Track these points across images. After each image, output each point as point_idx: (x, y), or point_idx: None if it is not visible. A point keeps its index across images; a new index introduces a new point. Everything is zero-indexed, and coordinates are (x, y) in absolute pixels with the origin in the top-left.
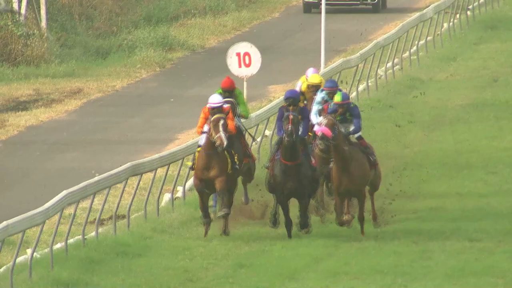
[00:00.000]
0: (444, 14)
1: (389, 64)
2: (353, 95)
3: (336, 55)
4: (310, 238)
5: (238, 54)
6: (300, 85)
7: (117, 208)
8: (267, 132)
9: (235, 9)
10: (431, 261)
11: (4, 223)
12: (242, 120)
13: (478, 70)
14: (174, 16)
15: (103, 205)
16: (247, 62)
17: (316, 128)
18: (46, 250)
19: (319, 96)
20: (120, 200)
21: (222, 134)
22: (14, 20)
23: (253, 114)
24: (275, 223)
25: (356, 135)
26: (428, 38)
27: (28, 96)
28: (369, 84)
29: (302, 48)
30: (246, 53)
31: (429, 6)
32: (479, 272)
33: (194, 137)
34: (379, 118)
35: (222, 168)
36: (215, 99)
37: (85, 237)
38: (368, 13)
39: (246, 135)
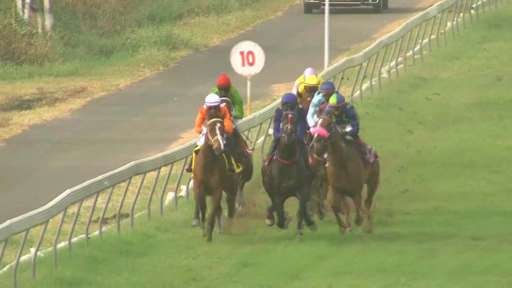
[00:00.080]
0: (447, 13)
1: (393, 63)
2: (356, 94)
3: (339, 54)
4: (314, 237)
5: (241, 53)
6: (297, 85)
7: (120, 207)
8: (271, 131)
9: (239, 8)
10: (434, 260)
11: (8, 222)
12: (245, 119)
13: (482, 69)
14: (178, 15)
15: (107, 204)
16: (250, 61)
17: (312, 129)
18: (49, 249)
19: (316, 98)
20: (123, 199)
21: (219, 137)
22: (18, 19)
23: (257, 113)
24: (270, 217)
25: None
26: (432, 37)
27: (31, 95)
28: (373, 83)
29: (306, 47)
30: (250, 52)
31: (432, 5)
32: (482, 271)
33: (197, 136)
34: (382, 117)
35: (221, 173)
36: (212, 99)
37: (89, 236)
38: (370, 13)
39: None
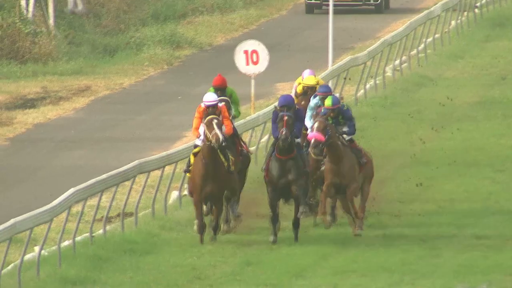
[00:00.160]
0: (452, 11)
1: (397, 62)
2: (360, 93)
3: (343, 52)
4: (318, 235)
5: (245, 52)
6: (295, 86)
7: (124, 206)
8: None
9: (243, 7)
10: (438, 259)
11: (12, 220)
12: (249, 118)
13: (486, 68)
14: (182, 14)
15: (111, 203)
16: (254, 59)
17: (308, 134)
18: (53, 248)
19: (313, 101)
20: (127, 197)
21: (217, 131)
22: (22, 18)
23: (260, 112)
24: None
25: (347, 138)
26: (436, 35)
27: (35, 93)
28: (377, 82)
29: (310, 46)
30: (254, 51)
31: (436, 4)
32: (487, 270)
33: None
34: (386, 115)
35: (221, 178)
36: (210, 97)
37: (93, 234)
38: (372, 13)
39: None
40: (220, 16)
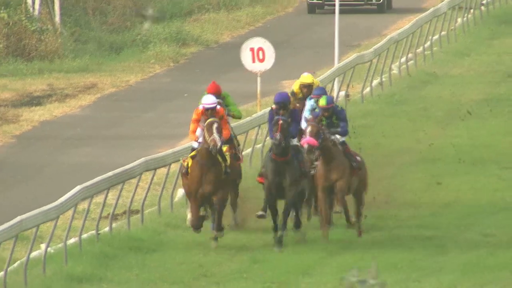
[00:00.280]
0: (458, 9)
1: (403, 59)
2: (367, 90)
3: (350, 50)
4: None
5: (251, 49)
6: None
7: (131, 203)
8: None
9: (249, 4)
10: (445, 256)
11: (18, 218)
12: (255, 115)
13: (492, 65)
14: (188, 11)
15: (117, 200)
16: (260, 57)
17: (302, 139)
18: (60, 245)
19: (309, 104)
20: (133, 195)
21: (215, 136)
22: (28, 15)
23: (267, 110)
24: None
25: (340, 140)
26: (442, 33)
27: (42, 91)
28: (383, 79)
29: (316, 43)
30: (260, 48)
31: (442, 2)
32: (494, 267)
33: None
34: (392, 113)
35: (217, 182)
36: (209, 100)
37: (99, 232)
38: (374, 12)
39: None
40: (226, 13)
